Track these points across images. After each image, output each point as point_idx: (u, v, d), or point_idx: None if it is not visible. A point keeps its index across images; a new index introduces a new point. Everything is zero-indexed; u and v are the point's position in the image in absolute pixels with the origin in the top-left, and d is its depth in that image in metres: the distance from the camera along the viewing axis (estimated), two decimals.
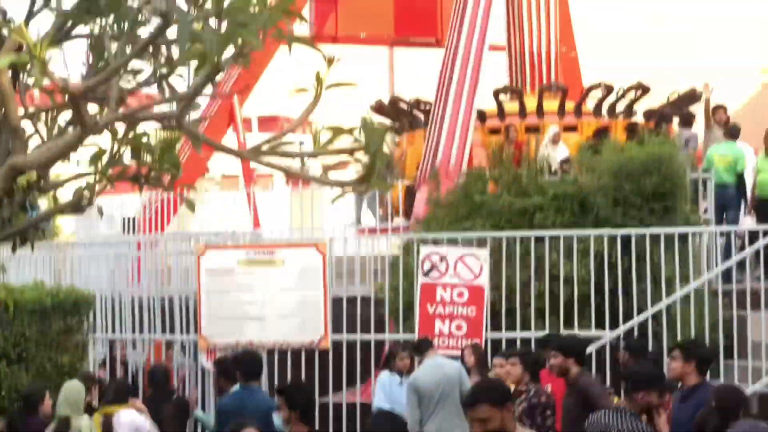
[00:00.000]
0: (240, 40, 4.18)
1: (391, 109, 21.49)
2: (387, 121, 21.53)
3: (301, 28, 19.24)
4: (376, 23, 25.11)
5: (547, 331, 12.75)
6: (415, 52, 30.35)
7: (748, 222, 17.07)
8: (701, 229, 14.05)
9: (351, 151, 4.61)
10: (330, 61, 4.60)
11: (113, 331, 14.51)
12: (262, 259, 13.14)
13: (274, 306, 12.92)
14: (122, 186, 6.10)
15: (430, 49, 26.58)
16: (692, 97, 20.98)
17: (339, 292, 13.96)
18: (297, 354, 13.07)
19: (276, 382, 13.32)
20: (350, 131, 4.49)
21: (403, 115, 21.21)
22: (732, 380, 12.55)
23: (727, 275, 14.30)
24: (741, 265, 14.30)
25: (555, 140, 18.27)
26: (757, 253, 13.81)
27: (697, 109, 20.29)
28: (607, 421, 7.32)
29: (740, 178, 16.66)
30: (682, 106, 21.12)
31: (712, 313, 12.98)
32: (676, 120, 19.44)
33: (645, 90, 20.68)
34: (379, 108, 21.41)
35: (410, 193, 18.16)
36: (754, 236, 13.77)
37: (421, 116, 20.98)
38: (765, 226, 14.21)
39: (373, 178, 4.25)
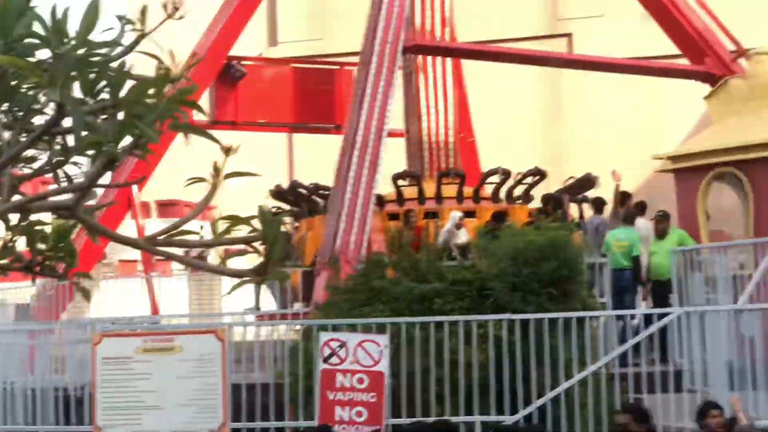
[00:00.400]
0: (136, 131, 4.16)
1: (291, 194, 21.54)
2: (286, 206, 21.57)
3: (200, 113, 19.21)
4: (275, 109, 25.19)
5: (445, 417, 12.79)
6: (314, 138, 30.50)
7: (643, 305, 17.38)
8: (598, 313, 14.21)
9: (248, 241, 4.59)
10: (227, 151, 4.59)
11: (5, 422, 14.15)
12: (160, 347, 12.93)
13: (172, 394, 12.70)
14: (16, 273, 6.00)
15: (329, 135, 26.74)
16: (587, 182, 21.39)
17: (238, 379, 13.81)
18: None
19: None
20: (248, 220, 4.48)
21: (302, 200, 21.26)
22: None
23: (624, 359, 14.51)
24: (637, 348, 14.50)
25: (459, 225, 18.41)
26: (652, 336, 14.02)
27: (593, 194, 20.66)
28: None
29: (636, 262, 17.00)
30: (577, 191, 21.51)
31: (610, 396, 13.09)
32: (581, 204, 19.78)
33: (542, 175, 21.01)
34: (278, 193, 21.46)
35: (309, 279, 18.14)
36: (649, 319, 13.97)
37: (321, 201, 21.06)
38: (659, 310, 14.44)
39: (271, 268, 4.23)
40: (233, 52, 23.92)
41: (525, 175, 21.09)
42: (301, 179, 22.86)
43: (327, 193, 20.27)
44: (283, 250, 4.35)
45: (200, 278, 17.86)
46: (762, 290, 14.06)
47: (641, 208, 18.34)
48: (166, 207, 33.26)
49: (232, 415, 12.86)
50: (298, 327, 14.21)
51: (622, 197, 18.66)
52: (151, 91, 4.11)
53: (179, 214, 31.78)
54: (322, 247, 17.35)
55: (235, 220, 4.62)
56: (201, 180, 4.61)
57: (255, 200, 21.22)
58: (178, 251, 4.80)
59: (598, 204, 19.04)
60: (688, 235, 16.74)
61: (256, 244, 4.60)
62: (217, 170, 4.53)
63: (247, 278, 4.39)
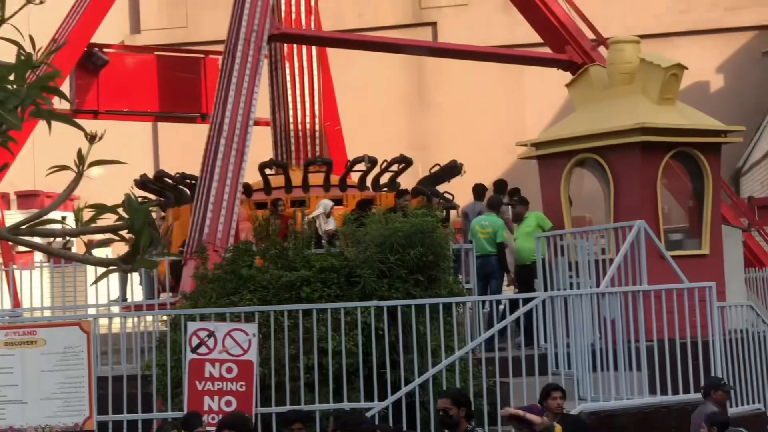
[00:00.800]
0: None
1: (156, 183, 21.30)
2: (152, 196, 21.33)
3: (61, 103, 18.91)
4: (139, 98, 24.88)
5: (315, 405, 12.83)
6: (179, 127, 30.22)
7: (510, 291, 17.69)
8: (465, 299, 14.39)
9: (114, 230, 4.53)
10: (92, 138, 4.53)
11: None
12: (23, 340, 12.69)
13: (35, 388, 12.48)
14: None
15: (195, 124, 26.53)
16: (452, 169, 21.62)
17: (105, 371, 13.64)
18: None
19: None
20: (114, 209, 4.43)
21: (168, 190, 21.04)
22: None
23: (490, 343, 14.73)
24: (503, 333, 14.74)
25: (328, 214, 18.43)
26: (518, 320, 14.27)
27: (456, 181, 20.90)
28: None
29: (500, 248, 17.29)
30: (443, 178, 21.72)
31: (477, 380, 13.27)
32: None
33: (408, 162, 21.15)
34: (143, 182, 21.20)
35: (177, 268, 17.98)
36: (515, 304, 14.20)
37: (187, 191, 20.87)
38: (524, 295, 14.69)
39: (139, 257, 4.19)
40: (94, 40, 23.52)
41: (391, 163, 21.22)
42: (167, 169, 22.62)
43: (193, 182, 20.09)
44: (149, 239, 4.31)
45: (63, 269, 17.54)
46: (623, 273, 14.40)
47: (508, 194, 18.66)
48: (25, 198, 32.61)
49: (98, 408, 12.69)
50: (165, 317, 14.06)
51: (500, 185, 18.93)
52: (11, 78, 4.03)
53: (40, 205, 31.20)
54: (190, 236, 17.21)
55: (100, 209, 4.56)
56: (64, 168, 4.53)
57: (118, 190, 20.97)
58: (42, 241, 4.72)
59: (480, 191, 19.29)
60: (545, 217, 17.07)
61: (123, 233, 4.54)
62: (81, 158, 4.45)
63: (114, 267, 4.34)
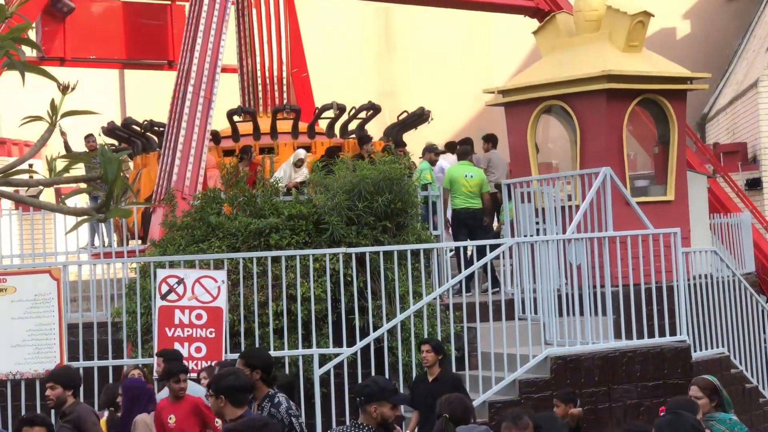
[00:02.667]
0: None
1: (124, 131, 21.26)
2: (118, 143, 21.29)
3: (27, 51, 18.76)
4: (106, 45, 24.76)
5: (285, 351, 12.95)
6: (146, 75, 30.08)
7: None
8: (432, 245, 14.50)
9: (87, 180, 4.59)
10: (65, 89, 4.57)
11: None
12: None
13: (6, 335, 12.55)
14: None
15: (162, 72, 26.42)
16: (420, 116, 21.67)
17: (74, 318, 13.71)
18: (31, 383, 12.75)
19: (9, 414, 12.98)
20: (86, 159, 4.47)
21: (136, 137, 21.01)
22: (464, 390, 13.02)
23: (458, 289, 14.89)
24: (471, 278, 14.89)
25: (298, 165, 18.45)
26: (485, 267, 14.41)
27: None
28: None
29: (488, 197, 17.33)
30: (411, 125, 21.78)
31: (445, 326, 13.42)
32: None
33: (376, 110, 21.19)
34: (110, 130, 21.15)
35: (146, 216, 18.01)
36: (482, 251, 14.32)
37: (155, 138, 20.84)
38: (491, 241, 14.80)
39: (112, 206, 4.25)
40: None
41: (359, 110, 21.24)
42: (134, 116, 22.56)
43: (161, 129, 20.07)
44: (123, 188, 4.37)
45: (32, 217, 17.54)
46: (589, 220, 14.55)
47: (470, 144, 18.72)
48: None
49: (69, 355, 12.78)
50: (134, 264, 14.11)
51: (461, 142, 18.90)
52: None
53: (6, 153, 31.02)
54: (158, 184, 17.22)
55: (73, 159, 4.61)
56: (38, 119, 4.58)
57: (81, 137, 20.84)
58: (12, 190, 4.77)
59: (494, 139, 19.28)
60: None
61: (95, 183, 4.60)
62: (54, 109, 4.50)
63: (88, 216, 4.40)
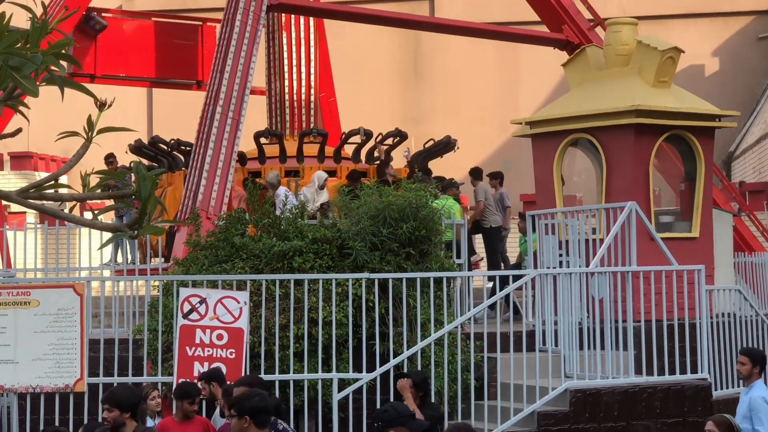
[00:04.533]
0: (10, 83, 4.14)
1: (151, 149, 21.36)
2: (145, 161, 21.38)
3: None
4: (136, 64, 24.92)
5: (304, 374, 12.95)
6: (175, 94, 30.23)
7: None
8: (455, 274, 14.50)
9: (121, 196, 4.62)
10: (102, 106, 4.61)
11: None
12: (16, 300, 12.78)
13: (28, 348, 12.59)
14: None
15: (190, 91, 26.56)
16: (446, 144, 21.72)
17: (96, 334, 13.75)
18: (51, 397, 12.78)
19: (28, 427, 13.01)
20: (122, 176, 4.51)
21: (162, 156, 21.11)
22: (482, 420, 13.00)
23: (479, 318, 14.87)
24: (492, 308, 14.87)
25: (322, 186, 18.55)
26: (507, 297, 14.39)
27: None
28: None
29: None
30: (437, 153, 21.82)
31: (465, 355, 13.40)
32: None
33: (403, 137, 21.24)
34: (137, 148, 21.25)
35: (170, 235, 18.06)
36: (504, 281, 14.31)
37: (181, 157, 20.94)
38: (515, 271, 14.81)
39: (145, 223, 4.28)
40: (93, 4, 23.53)
41: (386, 136, 21.29)
42: (160, 135, 22.67)
43: (188, 149, 20.16)
44: (156, 206, 4.40)
45: (58, 232, 17.58)
46: (612, 254, 14.52)
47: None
48: (19, 159, 32.61)
49: (89, 370, 12.81)
50: (157, 282, 14.15)
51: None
52: (27, 44, 4.10)
53: (33, 167, 31.21)
54: (183, 203, 17.28)
55: (107, 175, 4.65)
56: (74, 134, 4.61)
57: (113, 155, 20.92)
58: (52, 204, 4.80)
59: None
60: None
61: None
62: (90, 125, 4.53)
63: (121, 233, 4.43)
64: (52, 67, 4.41)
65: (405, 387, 11.39)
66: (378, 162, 20.18)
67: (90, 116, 4.56)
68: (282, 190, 18.52)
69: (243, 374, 12.66)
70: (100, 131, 4.57)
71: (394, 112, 36.50)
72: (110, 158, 20.97)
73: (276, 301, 13.19)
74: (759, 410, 10.97)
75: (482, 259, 20.14)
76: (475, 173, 19.83)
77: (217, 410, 11.14)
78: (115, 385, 12.98)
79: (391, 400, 12.77)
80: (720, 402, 13.91)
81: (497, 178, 20.04)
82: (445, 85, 37.45)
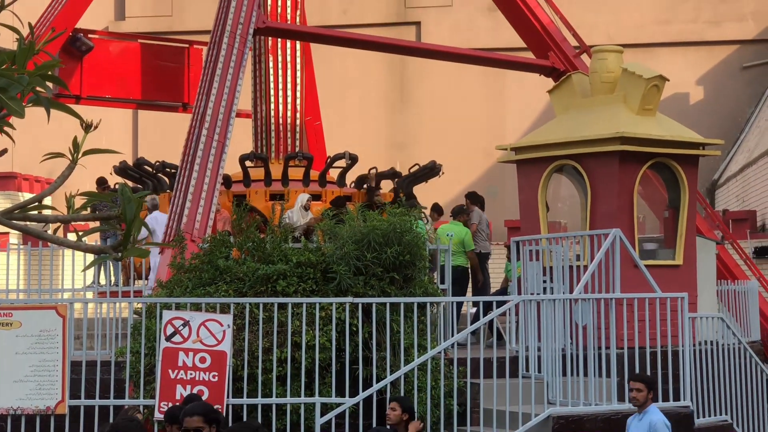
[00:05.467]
0: None
1: (136, 170, 21.33)
2: (130, 183, 21.35)
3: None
4: (122, 85, 24.91)
5: (287, 398, 12.92)
6: (160, 116, 30.24)
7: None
8: (439, 299, 14.50)
9: (105, 218, 4.61)
10: (87, 127, 4.60)
11: None
12: None
13: (9, 370, 12.53)
14: None
15: (176, 113, 26.56)
16: (431, 169, 21.75)
17: (78, 356, 13.69)
18: (31, 419, 12.72)
19: None
20: (107, 198, 4.50)
21: (147, 178, 21.08)
22: None
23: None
24: (475, 334, 14.87)
25: (306, 207, 18.60)
26: (491, 323, 14.39)
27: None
28: None
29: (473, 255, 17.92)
30: (422, 178, 21.85)
31: (448, 380, 13.39)
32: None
33: (354, 159, 21.15)
34: (122, 170, 21.23)
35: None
36: (488, 307, 14.32)
37: (166, 179, 20.92)
38: (498, 297, 14.82)
39: (129, 246, 4.27)
40: (79, 25, 23.53)
41: (335, 158, 21.27)
42: (145, 156, 22.65)
43: (173, 171, 20.15)
44: (141, 228, 4.39)
45: (41, 253, 17.53)
46: (596, 280, 14.54)
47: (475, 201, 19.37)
48: (3, 179, 32.54)
49: (70, 392, 12.75)
50: (140, 304, 14.11)
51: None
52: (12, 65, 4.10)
53: (17, 187, 31.13)
54: (168, 225, 17.25)
55: (92, 197, 4.64)
56: (59, 155, 4.61)
57: (94, 175, 20.92)
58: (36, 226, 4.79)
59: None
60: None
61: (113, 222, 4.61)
62: (76, 146, 4.53)
63: (105, 254, 4.42)
64: (39, 89, 4.40)
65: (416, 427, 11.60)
66: (367, 187, 20.20)
67: (75, 137, 4.55)
68: (155, 214, 18.51)
69: (225, 397, 12.63)
70: (86, 153, 4.57)
71: (380, 137, 36.56)
72: (103, 183, 20.94)
73: (259, 325, 13.16)
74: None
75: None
76: (474, 197, 19.89)
77: None
78: (96, 408, 12.94)
79: (374, 425, 12.76)
80: (702, 429, 13.91)
81: (478, 202, 20.13)
82: (431, 110, 37.52)
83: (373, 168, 21.18)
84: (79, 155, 4.51)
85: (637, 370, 13.55)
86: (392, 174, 21.32)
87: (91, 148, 4.57)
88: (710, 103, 37.08)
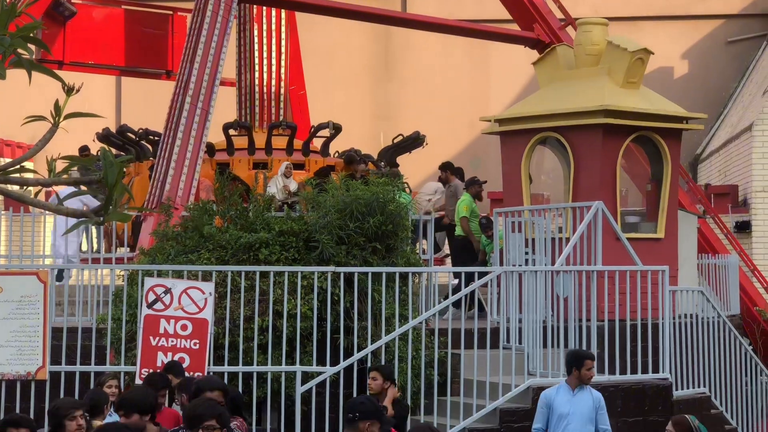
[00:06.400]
0: None
1: (119, 137, 21.25)
2: (112, 150, 21.26)
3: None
4: (105, 51, 24.76)
5: (268, 366, 12.95)
6: (143, 83, 30.08)
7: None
8: (422, 269, 14.52)
9: (87, 182, 4.60)
10: (69, 90, 4.58)
11: None
12: None
13: None
14: None
15: (160, 81, 26.43)
16: (415, 140, 21.73)
17: (59, 322, 13.67)
18: (12, 385, 12.71)
19: None
20: (89, 162, 4.48)
21: (130, 145, 21.01)
22: (445, 416, 13.03)
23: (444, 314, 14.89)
24: (457, 305, 14.89)
25: (287, 174, 18.62)
26: (472, 293, 14.42)
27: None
28: None
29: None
30: (405, 149, 21.83)
31: (429, 350, 13.43)
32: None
33: (338, 129, 21.07)
34: (105, 137, 21.13)
35: (136, 224, 18.00)
36: (470, 278, 14.33)
37: (149, 147, 20.85)
38: (480, 268, 14.85)
39: (111, 210, 4.26)
40: None
41: (318, 128, 21.20)
42: (130, 124, 22.54)
43: (156, 138, 20.08)
44: (123, 193, 4.38)
45: (22, 219, 17.46)
46: (578, 253, 14.57)
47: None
48: None
49: (51, 359, 12.75)
50: (122, 271, 14.09)
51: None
52: None
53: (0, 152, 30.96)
54: (150, 192, 17.21)
55: (73, 161, 4.62)
56: (41, 119, 4.59)
57: (77, 142, 20.86)
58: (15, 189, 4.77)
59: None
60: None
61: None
62: (58, 110, 4.51)
63: (87, 219, 4.40)
64: (20, 50, 4.38)
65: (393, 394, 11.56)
66: (346, 157, 20.20)
67: (57, 101, 4.53)
68: None
69: (206, 365, 12.65)
70: (68, 116, 4.55)
71: (364, 107, 36.48)
72: (84, 151, 20.84)
73: (241, 293, 13.17)
74: (604, 407, 11.36)
75: (447, 255, 20.21)
76: (450, 167, 20.03)
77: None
78: (77, 374, 12.92)
79: (355, 394, 12.79)
80: (681, 402, 13.99)
81: (447, 169, 20.27)
82: (416, 81, 37.42)
83: (312, 131, 21.11)
84: (61, 118, 4.49)
85: (617, 343, 13.62)
86: (333, 126, 21.27)
87: (73, 112, 4.55)
88: (695, 78, 37.09)
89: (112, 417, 10.51)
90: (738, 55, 37.03)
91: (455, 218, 18.49)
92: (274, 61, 22.05)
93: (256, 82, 21.83)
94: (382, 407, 7.93)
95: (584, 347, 13.41)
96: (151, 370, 12.24)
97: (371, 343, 13.12)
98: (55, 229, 18.56)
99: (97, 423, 9.65)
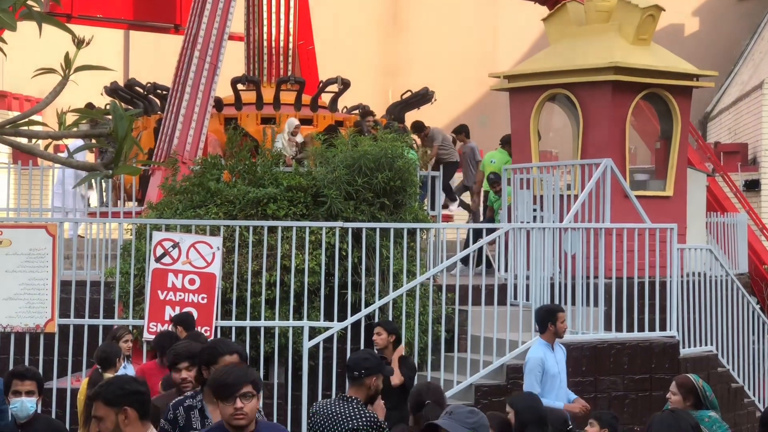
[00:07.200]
0: None
1: (127, 91, 21.19)
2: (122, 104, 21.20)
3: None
4: (113, 5, 24.66)
5: (275, 321, 12.98)
6: (152, 37, 30.01)
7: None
8: (429, 225, 14.52)
9: (97, 135, 4.59)
10: (80, 43, 4.56)
11: None
12: None
13: None
14: None
15: (168, 35, 26.34)
16: (424, 96, 21.66)
17: (68, 275, 13.71)
18: (21, 337, 12.77)
19: None
20: (99, 114, 4.47)
21: (138, 99, 20.95)
22: (452, 372, 13.07)
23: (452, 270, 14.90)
24: (465, 261, 14.90)
25: (295, 133, 18.56)
26: (480, 250, 14.43)
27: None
28: (332, 409, 7.48)
29: None
30: (414, 105, 21.76)
31: (436, 306, 13.45)
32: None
33: (346, 85, 21.01)
34: (113, 90, 21.07)
35: (143, 178, 17.99)
36: (478, 234, 14.34)
37: (157, 101, 20.80)
38: (488, 225, 14.84)
39: (121, 163, 4.25)
40: None
41: (327, 83, 21.14)
42: (138, 78, 22.48)
43: (164, 93, 20.02)
44: (132, 146, 4.37)
45: (31, 173, 17.47)
46: (586, 210, 14.56)
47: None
48: None
49: (60, 312, 12.79)
50: (130, 225, 14.10)
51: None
52: None
53: (7, 105, 30.96)
54: (158, 147, 17.19)
55: (84, 114, 4.61)
56: (51, 71, 4.57)
57: (85, 95, 20.85)
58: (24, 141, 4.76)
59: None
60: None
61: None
62: (68, 62, 4.49)
63: (96, 172, 4.40)
64: (30, 2, 4.36)
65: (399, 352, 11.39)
66: (360, 112, 20.20)
67: (67, 53, 4.51)
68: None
69: (214, 319, 12.68)
70: (78, 69, 4.53)
71: (373, 63, 36.37)
72: (90, 108, 20.78)
73: (249, 248, 13.18)
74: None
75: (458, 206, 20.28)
76: (465, 130, 20.61)
77: None
78: (86, 327, 12.97)
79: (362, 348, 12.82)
80: (687, 360, 14.02)
81: (462, 132, 20.58)
82: (425, 37, 37.29)
83: (321, 86, 21.04)
84: (71, 71, 4.47)
85: (624, 300, 13.63)
86: (341, 81, 21.21)
87: (83, 65, 4.53)
88: (705, 35, 36.92)
89: (126, 370, 10.58)
90: (749, 13, 36.81)
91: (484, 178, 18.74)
92: (282, 16, 21.92)
93: (265, 36, 21.72)
94: (387, 363, 7.93)
95: (591, 304, 13.43)
96: (159, 324, 12.28)
97: (379, 299, 13.13)
98: (57, 182, 18.55)
99: (107, 375, 9.71)
